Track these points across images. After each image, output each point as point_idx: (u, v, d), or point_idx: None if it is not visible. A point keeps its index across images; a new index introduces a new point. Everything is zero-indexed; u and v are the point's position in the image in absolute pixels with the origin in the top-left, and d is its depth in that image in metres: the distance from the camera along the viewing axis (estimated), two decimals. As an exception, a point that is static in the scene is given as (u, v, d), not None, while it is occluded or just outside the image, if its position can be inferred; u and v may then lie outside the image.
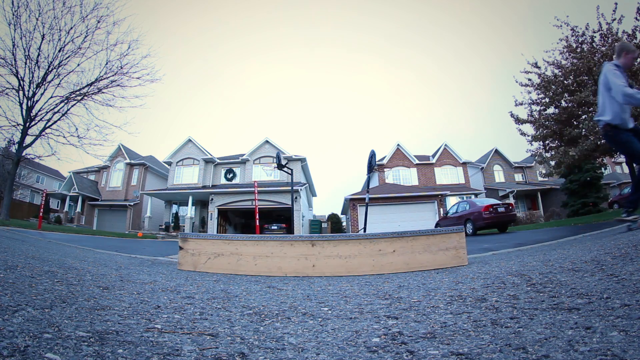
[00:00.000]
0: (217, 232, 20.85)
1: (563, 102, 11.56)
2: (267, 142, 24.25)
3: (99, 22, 14.21)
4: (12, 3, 12.81)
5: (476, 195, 23.35)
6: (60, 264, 2.25)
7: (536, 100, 11.99)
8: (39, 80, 13.85)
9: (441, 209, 19.75)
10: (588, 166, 15.88)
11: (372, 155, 7.43)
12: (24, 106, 13.73)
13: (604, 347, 0.68)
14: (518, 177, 28.07)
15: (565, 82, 11.26)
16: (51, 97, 14.33)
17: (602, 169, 16.64)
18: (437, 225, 14.29)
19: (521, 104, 12.30)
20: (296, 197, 19.40)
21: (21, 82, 13.51)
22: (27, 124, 13.78)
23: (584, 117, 11.28)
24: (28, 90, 13.72)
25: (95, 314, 1.07)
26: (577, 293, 1.16)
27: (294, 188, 16.20)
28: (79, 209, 25.50)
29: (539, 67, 11.73)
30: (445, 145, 27.15)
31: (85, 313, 1.06)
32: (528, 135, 12.38)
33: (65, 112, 14.43)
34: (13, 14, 12.87)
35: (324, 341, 0.93)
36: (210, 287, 1.94)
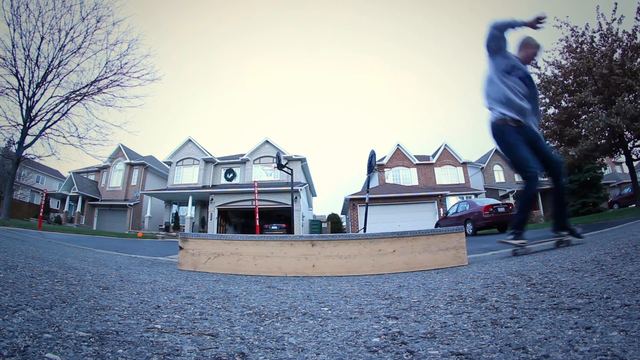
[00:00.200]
0: (217, 232, 20.85)
1: (563, 102, 11.56)
2: (267, 142, 24.25)
3: (98, 21, 14.24)
4: (12, 3, 12.82)
5: (476, 195, 23.35)
6: (60, 264, 2.25)
7: (536, 100, 11.97)
8: (39, 80, 13.86)
9: (441, 209, 19.75)
10: (588, 166, 15.88)
11: (372, 155, 7.43)
12: (24, 106, 13.73)
13: (604, 347, 0.68)
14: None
15: (565, 82, 11.26)
16: (51, 97, 14.35)
17: (602, 169, 16.66)
18: (437, 225, 14.29)
19: (521, 104, 12.28)
20: (296, 197, 19.40)
21: (21, 82, 13.51)
22: (27, 124, 13.78)
23: (583, 117, 11.28)
24: (28, 90, 13.73)
25: (95, 314, 1.07)
26: (577, 293, 1.16)
27: (294, 188, 16.21)
28: (79, 209, 25.50)
29: (538, 67, 11.73)
30: (445, 145, 27.14)
31: (85, 313, 1.06)
32: (528, 136, 12.36)
33: (65, 112, 14.43)
34: (13, 14, 12.88)
35: (324, 341, 0.93)
36: (210, 287, 1.94)
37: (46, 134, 14.16)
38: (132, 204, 25.48)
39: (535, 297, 1.21)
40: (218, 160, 24.54)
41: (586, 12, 12.12)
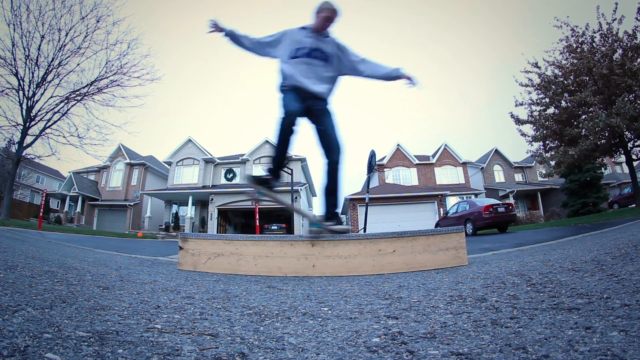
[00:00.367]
0: (217, 232, 20.86)
1: (563, 102, 11.57)
2: (267, 142, 24.25)
3: (98, 21, 14.23)
4: (12, 3, 12.82)
5: (476, 195, 23.36)
6: (60, 264, 2.25)
7: (536, 100, 12.00)
8: (39, 80, 13.85)
9: (441, 209, 19.75)
10: (588, 166, 15.89)
11: (372, 155, 7.43)
12: (24, 106, 13.73)
13: (604, 347, 0.68)
14: (518, 177, 28.07)
15: (565, 82, 11.27)
16: (51, 97, 14.34)
17: (602, 169, 16.66)
18: (437, 225, 14.29)
19: (521, 104, 12.30)
20: (296, 197, 19.40)
21: (21, 82, 13.51)
22: (27, 124, 13.78)
23: (583, 117, 11.29)
24: (28, 90, 13.72)
25: (95, 314, 1.07)
26: (577, 293, 1.16)
27: (294, 188, 16.21)
28: (79, 209, 25.50)
29: (539, 67, 11.74)
30: (445, 145, 27.15)
31: (85, 313, 1.06)
32: (528, 136, 12.38)
33: (65, 112, 14.43)
34: (13, 14, 12.88)
35: (324, 341, 0.93)
36: (210, 287, 1.93)
37: (46, 134, 14.16)
38: (132, 204, 25.48)
39: (535, 297, 1.21)
40: (218, 160, 24.54)
41: (586, 12, 12.13)
